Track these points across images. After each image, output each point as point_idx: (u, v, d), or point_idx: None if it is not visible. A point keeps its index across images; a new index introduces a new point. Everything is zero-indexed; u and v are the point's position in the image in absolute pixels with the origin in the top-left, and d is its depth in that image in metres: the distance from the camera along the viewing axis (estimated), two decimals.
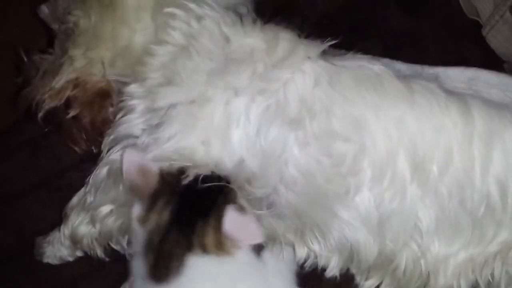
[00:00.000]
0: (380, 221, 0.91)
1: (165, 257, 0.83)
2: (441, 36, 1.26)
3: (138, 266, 0.85)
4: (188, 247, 0.83)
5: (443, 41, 1.25)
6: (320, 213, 0.93)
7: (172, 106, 0.90)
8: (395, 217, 0.91)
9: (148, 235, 0.84)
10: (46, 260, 1.14)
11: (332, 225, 0.93)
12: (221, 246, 0.83)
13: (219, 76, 0.90)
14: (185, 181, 0.86)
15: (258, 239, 0.86)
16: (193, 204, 0.85)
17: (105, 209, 0.98)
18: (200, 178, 0.86)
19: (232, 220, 0.84)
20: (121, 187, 0.94)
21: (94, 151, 1.14)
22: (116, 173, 0.94)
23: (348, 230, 0.92)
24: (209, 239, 0.83)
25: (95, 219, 1.00)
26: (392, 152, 0.88)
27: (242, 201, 0.88)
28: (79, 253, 1.11)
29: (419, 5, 1.28)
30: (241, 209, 0.87)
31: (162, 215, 0.84)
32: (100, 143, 1.08)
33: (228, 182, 0.88)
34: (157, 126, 0.91)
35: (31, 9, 1.44)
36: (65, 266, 1.16)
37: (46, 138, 1.28)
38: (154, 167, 0.87)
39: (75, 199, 1.06)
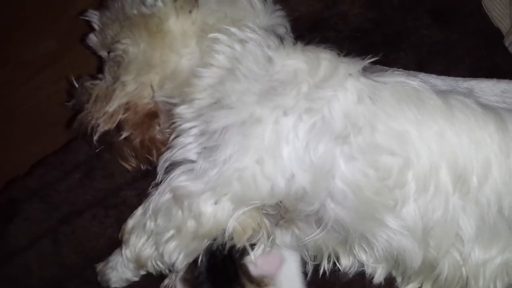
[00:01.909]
0: (425, 230, 0.91)
1: None
2: (472, 43, 1.24)
3: None
4: None
5: (475, 48, 1.23)
6: (368, 224, 0.93)
7: (225, 128, 0.91)
8: (438, 226, 0.91)
9: None
10: (113, 285, 1.12)
11: (380, 235, 0.93)
12: (262, 284, 0.95)
13: (267, 97, 0.91)
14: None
15: (283, 263, 0.99)
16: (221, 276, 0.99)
17: (168, 234, 0.97)
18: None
19: (255, 265, 0.96)
20: (185, 213, 0.94)
21: (143, 168, 1.17)
22: (181, 200, 0.94)
23: (396, 239, 0.92)
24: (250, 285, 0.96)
25: (159, 243, 0.99)
26: (435, 165, 0.89)
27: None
28: (143, 272, 1.10)
29: (450, 14, 1.26)
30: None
31: None
32: (149, 160, 1.12)
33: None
34: (213, 149, 0.92)
35: (65, 24, 1.56)
36: None
37: (99, 158, 1.30)
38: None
39: (130, 223, 1.04)
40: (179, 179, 0.95)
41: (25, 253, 1.26)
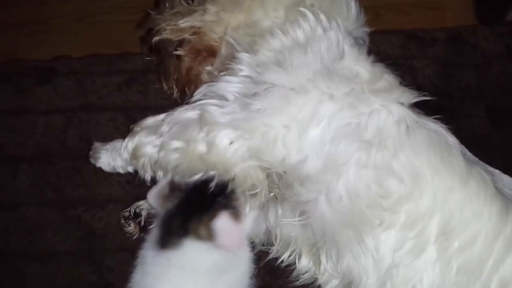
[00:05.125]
0: (390, 266, 0.89)
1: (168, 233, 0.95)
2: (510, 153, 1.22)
3: (152, 234, 0.98)
4: (184, 232, 0.93)
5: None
6: (347, 234, 0.91)
7: (273, 85, 0.91)
8: (403, 268, 0.89)
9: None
10: (99, 165, 1.14)
11: (352, 249, 0.91)
12: (212, 238, 0.92)
13: (323, 79, 0.91)
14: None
15: (239, 248, 0.95)
16: (196, 201, 0.95)
17: (176, 143, 0.95)
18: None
19: (222, 225, 0.91)
20: (201, 135, 0.93)
21: (174, 96, 1.16)
22: (204, 123, 0.93)
23: (362, 261, 0.90)
24: (202, 231, 0.92)
25: (163, 147, 0.97)
26: (430, 212, 0.88)
27: (241, 208, 0.94)
28: (130, 169, 1.09)
29: (505, 116, 1.26)
30: (237, 216, 0.94)
31: (170, 203, 0.97)
32: (184, 91, 1.12)
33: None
34: (252, 97, 0.92)
35: None
36: None
37: (143, 75, 1.31)
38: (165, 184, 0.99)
39: (149, 120, 1.03)
40: (211, 106, 0.94)
41: (37, 116, 1.27)
